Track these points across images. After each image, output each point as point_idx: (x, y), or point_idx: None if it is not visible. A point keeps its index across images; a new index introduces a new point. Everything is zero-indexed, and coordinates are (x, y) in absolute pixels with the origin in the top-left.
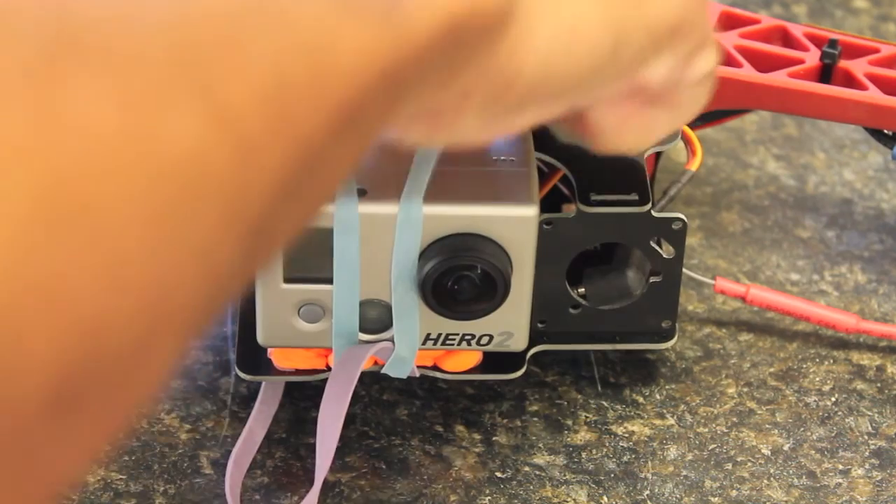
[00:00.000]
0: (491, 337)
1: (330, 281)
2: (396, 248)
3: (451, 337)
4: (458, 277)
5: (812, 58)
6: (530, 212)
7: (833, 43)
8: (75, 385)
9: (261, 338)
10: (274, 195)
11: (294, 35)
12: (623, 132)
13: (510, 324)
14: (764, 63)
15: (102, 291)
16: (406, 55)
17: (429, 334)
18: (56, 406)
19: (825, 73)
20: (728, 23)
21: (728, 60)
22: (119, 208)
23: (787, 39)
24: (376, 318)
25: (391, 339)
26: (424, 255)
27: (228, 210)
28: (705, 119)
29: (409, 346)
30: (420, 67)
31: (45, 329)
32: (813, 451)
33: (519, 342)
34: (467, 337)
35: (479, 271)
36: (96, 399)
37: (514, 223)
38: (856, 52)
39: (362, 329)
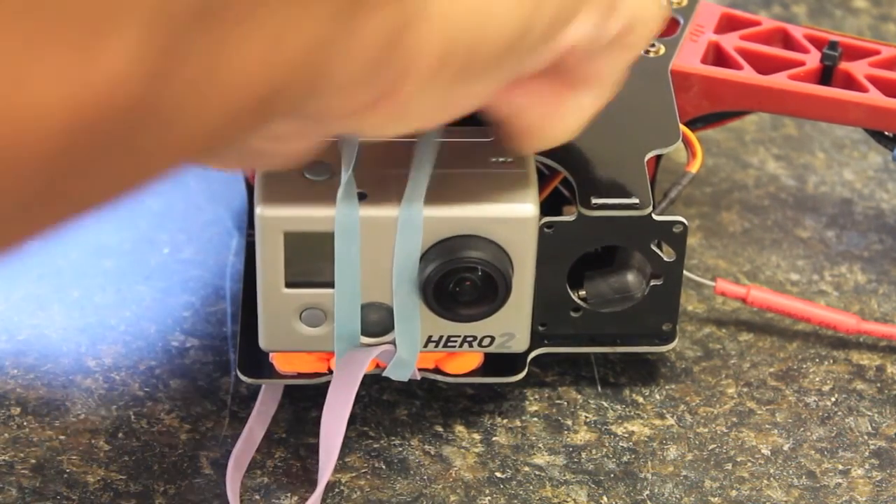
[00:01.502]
0: (492, 338)
1: (331, 285)
2: (397, 251)
3: (452, 339)
4: (460, 279)
5: (812, 60)
6: (530, 213)
7: (833, 45)
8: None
9: (263, 343)
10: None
11: None
12: (549, 121)
13: (511, 325)
14: (764, 65)
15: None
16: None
17: (430, 336)
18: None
19: (825, 74)
20: (728, 25)
21: (728, 62)
22: None
23: (787, 41)
24: (378, 322)
25: (393, 342)
26: (425, 257)
27: None
28: (706, 121)
29: (411, 349)
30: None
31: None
32: (813, 452)
33: (520, 343)
34: (469, 339)
35: (479, 273)
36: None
37: (514, 224)
38: (856, 53)
39: (364, 332)
